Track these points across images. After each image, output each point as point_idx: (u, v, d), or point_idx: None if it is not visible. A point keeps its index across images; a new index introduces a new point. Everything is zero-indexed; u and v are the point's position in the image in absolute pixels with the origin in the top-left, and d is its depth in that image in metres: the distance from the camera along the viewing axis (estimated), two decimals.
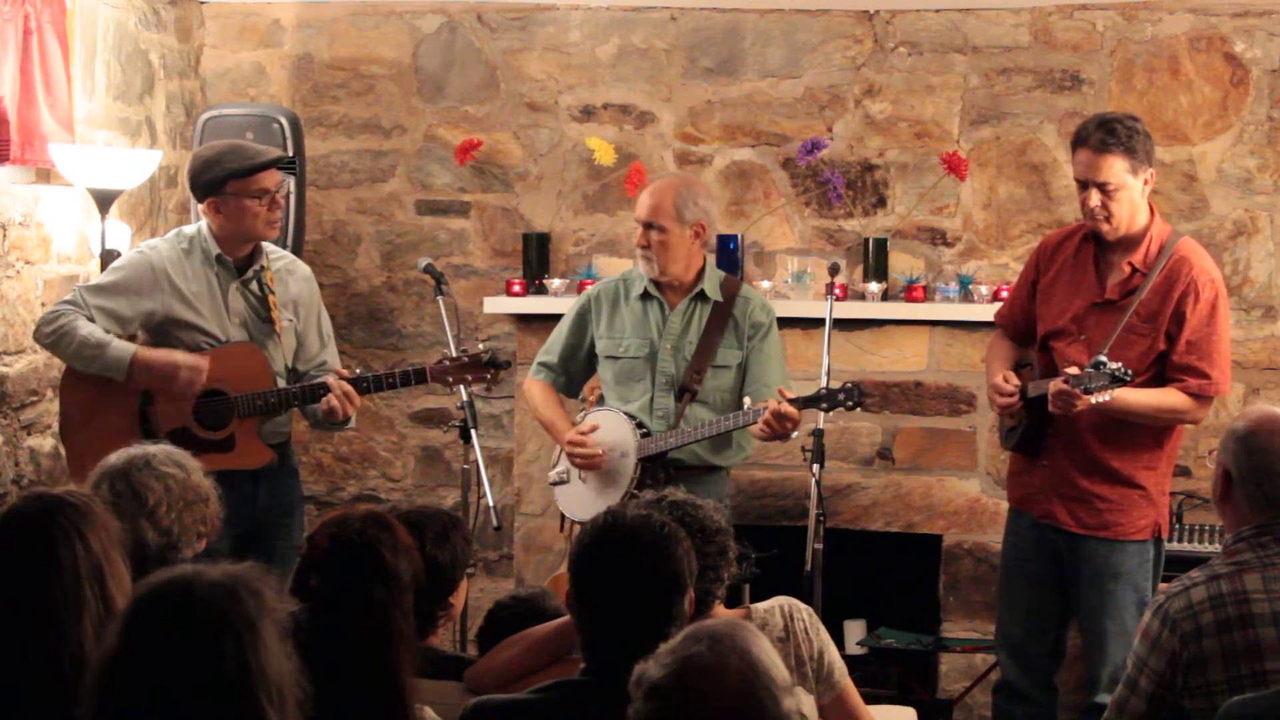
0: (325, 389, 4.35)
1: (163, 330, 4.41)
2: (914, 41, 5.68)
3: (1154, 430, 4.24)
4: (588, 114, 5.87)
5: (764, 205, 5.77)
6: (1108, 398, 3.99)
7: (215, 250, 4.41)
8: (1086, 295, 4.28)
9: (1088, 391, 3.98)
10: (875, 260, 5.58)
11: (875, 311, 5.55)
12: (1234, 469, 3.11)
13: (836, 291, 4.78)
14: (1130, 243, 4.24)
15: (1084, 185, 4.20)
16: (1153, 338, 4.19)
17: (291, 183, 5.33)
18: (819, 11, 5.72)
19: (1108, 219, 4.19)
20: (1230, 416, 4.96)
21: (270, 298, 4.45)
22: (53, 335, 4.31)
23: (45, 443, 4.81)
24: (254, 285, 4.46)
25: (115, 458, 3.25)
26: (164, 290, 4.37)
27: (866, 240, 5.62)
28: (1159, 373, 4.20)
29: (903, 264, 5.65)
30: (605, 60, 5.86)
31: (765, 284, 5.55)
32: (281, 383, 4.44)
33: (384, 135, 5.99)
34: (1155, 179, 4.24)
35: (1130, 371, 3.99)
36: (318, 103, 5.98)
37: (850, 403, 4.29)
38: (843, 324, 5.48)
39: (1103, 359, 4.00)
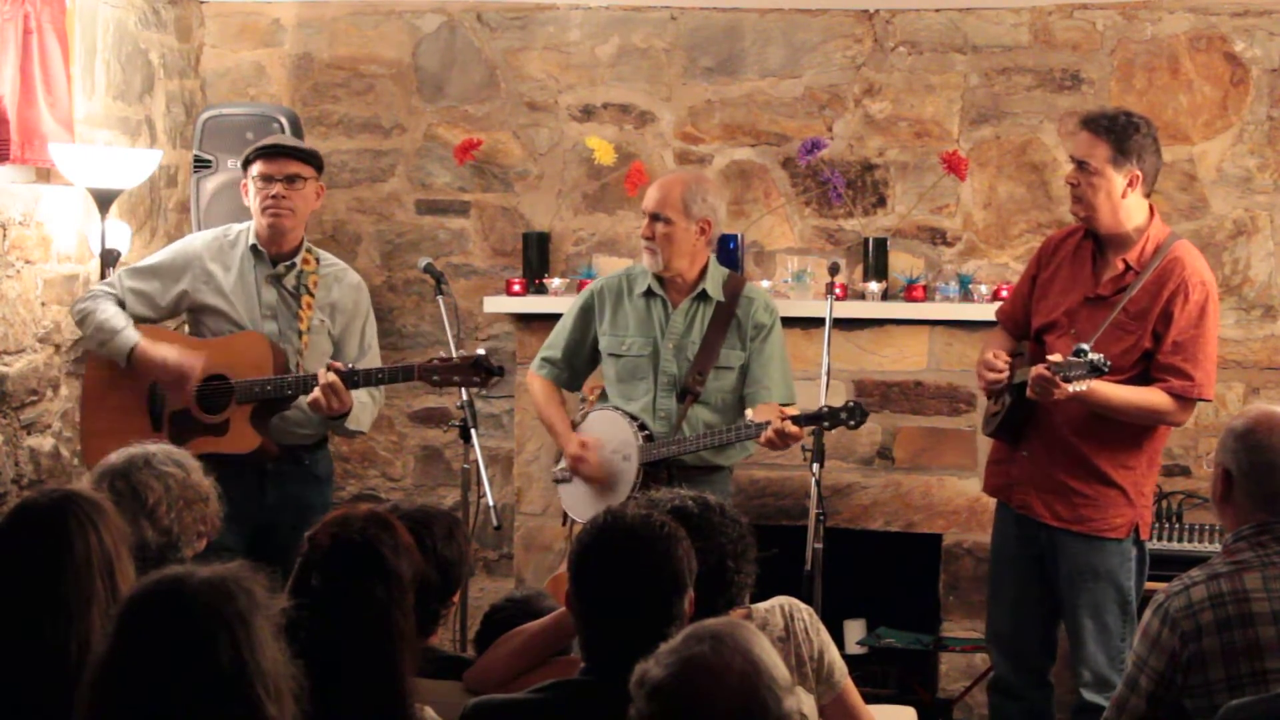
0: (317, 380, 4.29)
1: (194, 315, 4.58)
2: (914, 41, 5.68)
3: (1133, 429, 4.22)
4: (588, 113, 5.87)
5: (764, 205, 5.77)
6: (1084, 387, 3.96)
7: (253, 241, 4.52)
8: (1081, 290, 4.28)
9: (1066, 379, 3.95)
10: (875, 260, 5.58)
11: (875, 311, 5.55)
12: (1234, 468, 3.11)
13: (836, 291, 4.79)
14: (1126, 241, 4.24)
15: (1073, 162, 4.25)
16: (1139, 334, 4.18)
17: None
18: (819, 11, 5.72)
19: (1079, 200, 4.21)
20: (1230, 416, 4.96)
21: (305, 297, 4.50)
22: (79, 314, 4.52)
23: (45, 442, 4.81)
24: (289, 280, 4.51)
25: (115, 457, 3.26)
26: (195, 275, 4.52)
27: (866, 240, 5.62)
28: (1144, 371, 4.19)
29: (903, 263, 5.65)
30: (605, 60, 5.85)
31: (765, 284, 5.54)
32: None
33: (384, 135, 5.99)
34: (1141, 183, 4.19)
35: (1109, 362, 3.97)
36: (318, 102, 5.98)
37: (853, 421, 4.29)
38: (843, 323, 5.48)
39: (1084, 347, 3.98)
